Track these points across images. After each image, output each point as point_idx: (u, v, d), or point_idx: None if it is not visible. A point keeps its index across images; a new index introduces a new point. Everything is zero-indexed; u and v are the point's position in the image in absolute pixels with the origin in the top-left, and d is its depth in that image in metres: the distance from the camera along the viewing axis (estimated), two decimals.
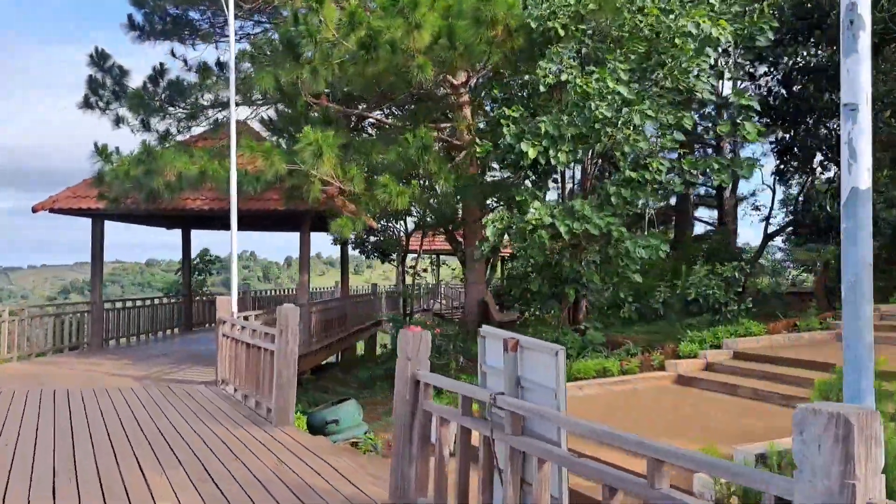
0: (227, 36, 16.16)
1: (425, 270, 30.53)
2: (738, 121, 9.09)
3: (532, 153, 8.52)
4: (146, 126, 13.97)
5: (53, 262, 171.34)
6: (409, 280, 26.37)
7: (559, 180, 10.34)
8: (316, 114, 11.26)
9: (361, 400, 10.61)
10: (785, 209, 17.59)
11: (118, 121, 14.78)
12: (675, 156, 9.76)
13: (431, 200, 14.05)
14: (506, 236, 9.89)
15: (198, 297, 19.63)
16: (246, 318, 10.51)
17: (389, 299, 27.56)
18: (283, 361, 7.31)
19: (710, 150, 16.97)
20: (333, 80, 10.29)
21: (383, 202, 10.01)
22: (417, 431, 4.60)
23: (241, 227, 20.21)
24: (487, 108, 16.99)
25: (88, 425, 7.27)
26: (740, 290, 10.46)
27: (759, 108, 9.49)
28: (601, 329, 10.96)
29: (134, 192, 12.10)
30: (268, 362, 7.70)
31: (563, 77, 9.15)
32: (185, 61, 15.38)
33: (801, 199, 16.27)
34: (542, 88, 9.52)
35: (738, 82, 12.00)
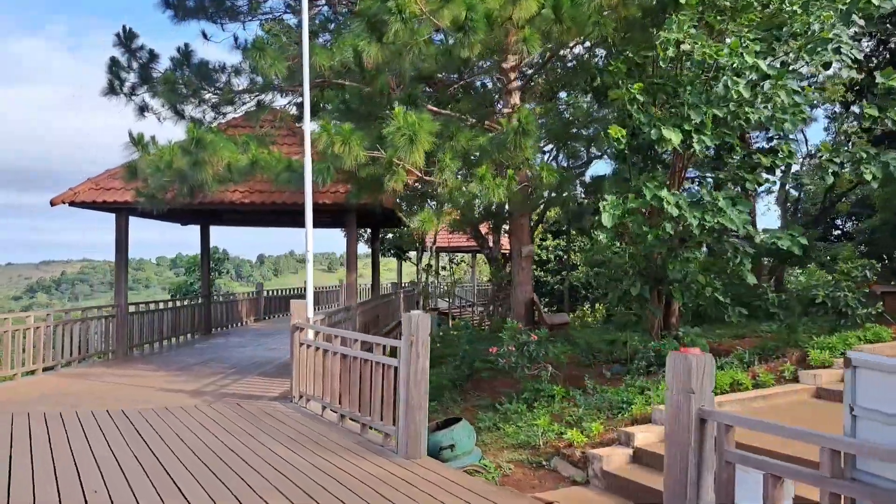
0: (265, 13, 14.94)
1: (444, 268, 29.36)
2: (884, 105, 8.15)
3: (676, 139, 7.46)
4: (179, 113, 12.58)
5: (18, 260, 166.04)
6: (426, 278, 25.22)
7: (672, 166, 9.28)
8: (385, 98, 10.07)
9: None
10: None
11: (143, 109, 13.36)
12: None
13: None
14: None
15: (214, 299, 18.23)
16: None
17: (406, 298, 26.37)
18: (414, 379, 6.15)
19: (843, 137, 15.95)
20: (415, 59, 9.10)
21: (477, 195, 8.88)
22: (708, 488, 3.51)
23: (263, 223, 18.93)
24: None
25: (159, 460, 6.00)
26: (867, 291, 9.56)
27: None
28: (701, 335, 9.97)
29: (175, 184, 10.76)
30: (384, 379, 6.52)
31: (686, 47, 8.08)
32: (236, 39, 14.14)
33: None
34: (661, 64, 8.47)
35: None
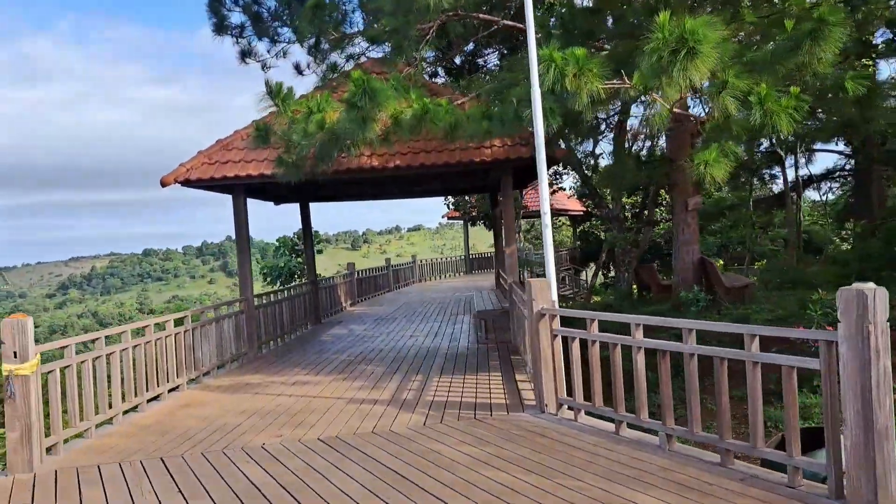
0: None
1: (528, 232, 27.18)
2: None
3: None
4: (317, 50, 10.43)
5: (46, 258, 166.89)
6: (524, 244, 23.20)
7: None
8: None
9: None
10: None
11: (245, 54, 11.33)
12: None
13: None
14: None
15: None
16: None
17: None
18: (876, 389, 4.04)
19: None
20: None
21: (757, 123, 6.75)
22: None
23: (375, 195, 16.89)
24: None
25: None
26: None
27: None
28: None
29: (328, 148, 8.71)
30: (788, 386, 4.47)
31: None
32: None
33: None
34: None
35: None
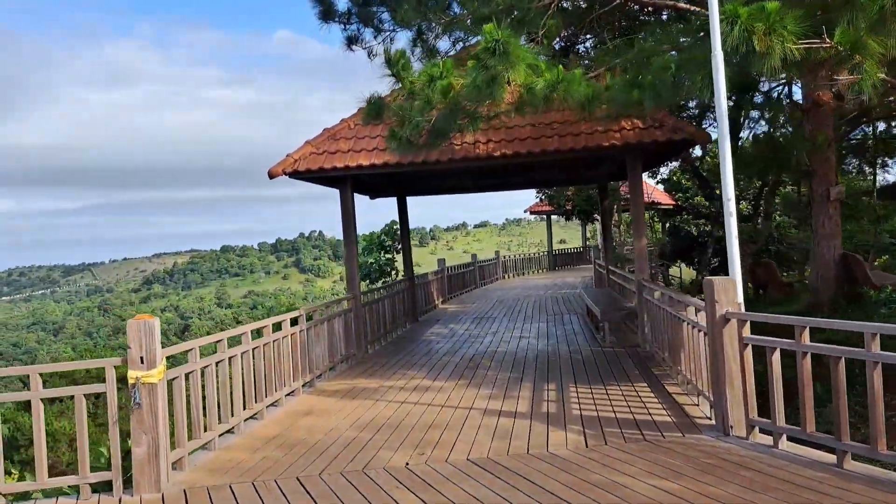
0: None
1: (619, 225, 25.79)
2: None
3: None
4: (420, 39, 9.73)
5: (132, 255, 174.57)
6: (622, 240, 21.99)
7: None
8: None
9: None
10: None
11: (352, 41, 10.70)
12: None
13: None
14: None
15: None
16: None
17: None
18: None
19: None
20: None
21: None
22: None
23: (498, 185, 16.12)
24: None
25: None
26: None
27: None
28: None
29: (448, 120, 7.87)
30: None
31: None
32: None
33: None
34: None
35: None
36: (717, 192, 17.04)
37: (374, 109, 8.45)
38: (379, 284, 18.71)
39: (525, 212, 33.18)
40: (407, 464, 5.28)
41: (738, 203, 18.75)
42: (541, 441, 5.69)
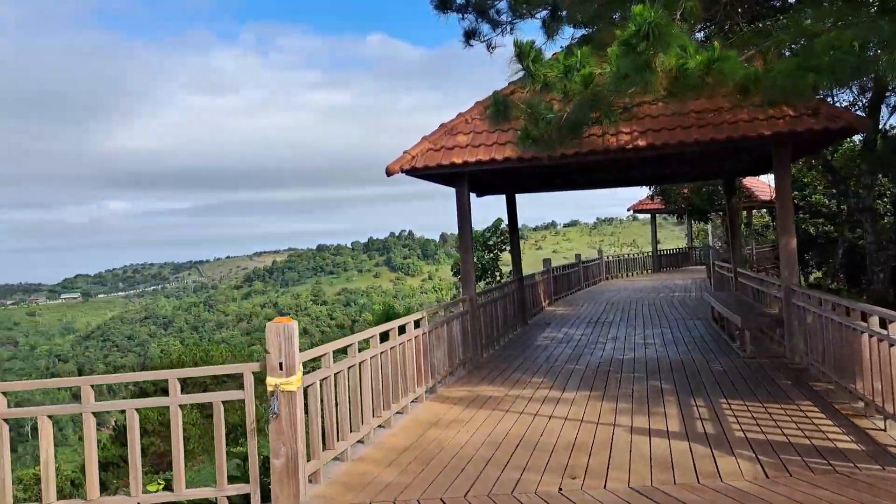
0: None
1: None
2: None
3: None
4: (550, 28, 9.15)
5: (233, 253, 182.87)
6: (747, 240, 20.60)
7: None
8: None
9: None
10: None
11: (470, 35, 10.25)
12: None
13: None
14: None
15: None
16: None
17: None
18: None
19: None
20: None
21: None
22: None
23: (613, 181, 15.43)
24: None
25: None
26: None
27: None
28: None
29: (584, 112, 7.26)
30: None
31: None
32: None
33: None
34: None
35: None
36: (852, 187, 15.52)
37: (500, 108, 7.93)
38: (482, 285, 18.27)
39: (628, 210, 31.87)
40: (561, 489, 4.75)
41: (875, 200, 17.07)
42: (709, 469, 5.02)
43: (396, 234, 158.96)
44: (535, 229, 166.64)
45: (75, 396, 50.16)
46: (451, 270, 19.81)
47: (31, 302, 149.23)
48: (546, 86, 7.34)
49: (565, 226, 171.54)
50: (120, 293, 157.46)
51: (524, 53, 7.29)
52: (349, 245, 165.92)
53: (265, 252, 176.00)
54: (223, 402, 4.73)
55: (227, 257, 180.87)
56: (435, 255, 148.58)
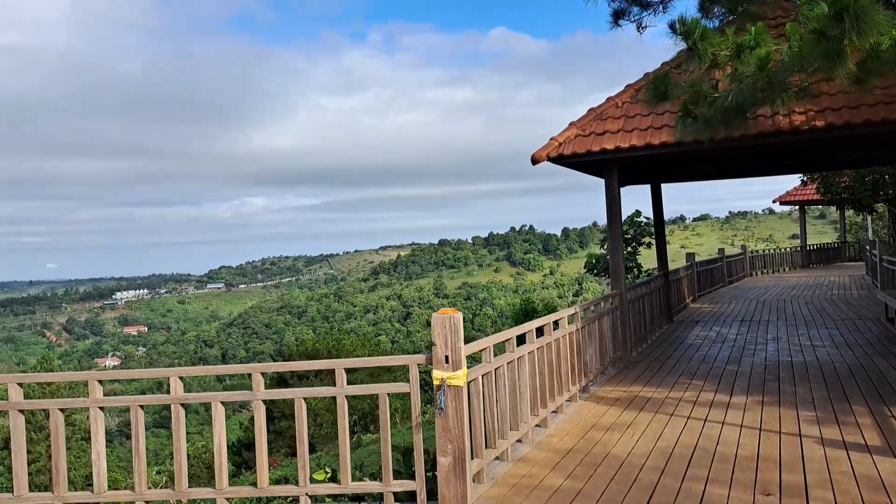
0: None
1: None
2: None
3: None
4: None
5: (361, 247, 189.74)
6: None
7: None
8: None
9: None
10: None
11: (618, 14, 9.74)
12: None
13: None
14: None
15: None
16: None
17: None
18: None
19: None
20: None
21: None
22: None
23: (762, 170, 14.43)
24: None
25: None
26: None
27: None
28: None
29: (751, 94, 6.57)
30: None
31: None
32: None
33: None
34: None
35: None
36: None
37: (660, 87, 7.38)
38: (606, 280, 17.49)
39: (773, 201, 29.59)
40: None
41: None
42: None
43: (517, 228, 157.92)
44: None
45: (218, 381, 53.74)
46: (585, 267, 19.09)
47: (181, 291, 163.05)
48: (715, 65, 6.77)
49: (695, 220, 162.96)
50: (258, 284, 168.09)
51: (690, 31, 6.73)
52: (469, 240, 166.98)
53: (390, 246, 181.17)
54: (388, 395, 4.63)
55: (356, 251, 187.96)
56: (556, 251, 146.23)
